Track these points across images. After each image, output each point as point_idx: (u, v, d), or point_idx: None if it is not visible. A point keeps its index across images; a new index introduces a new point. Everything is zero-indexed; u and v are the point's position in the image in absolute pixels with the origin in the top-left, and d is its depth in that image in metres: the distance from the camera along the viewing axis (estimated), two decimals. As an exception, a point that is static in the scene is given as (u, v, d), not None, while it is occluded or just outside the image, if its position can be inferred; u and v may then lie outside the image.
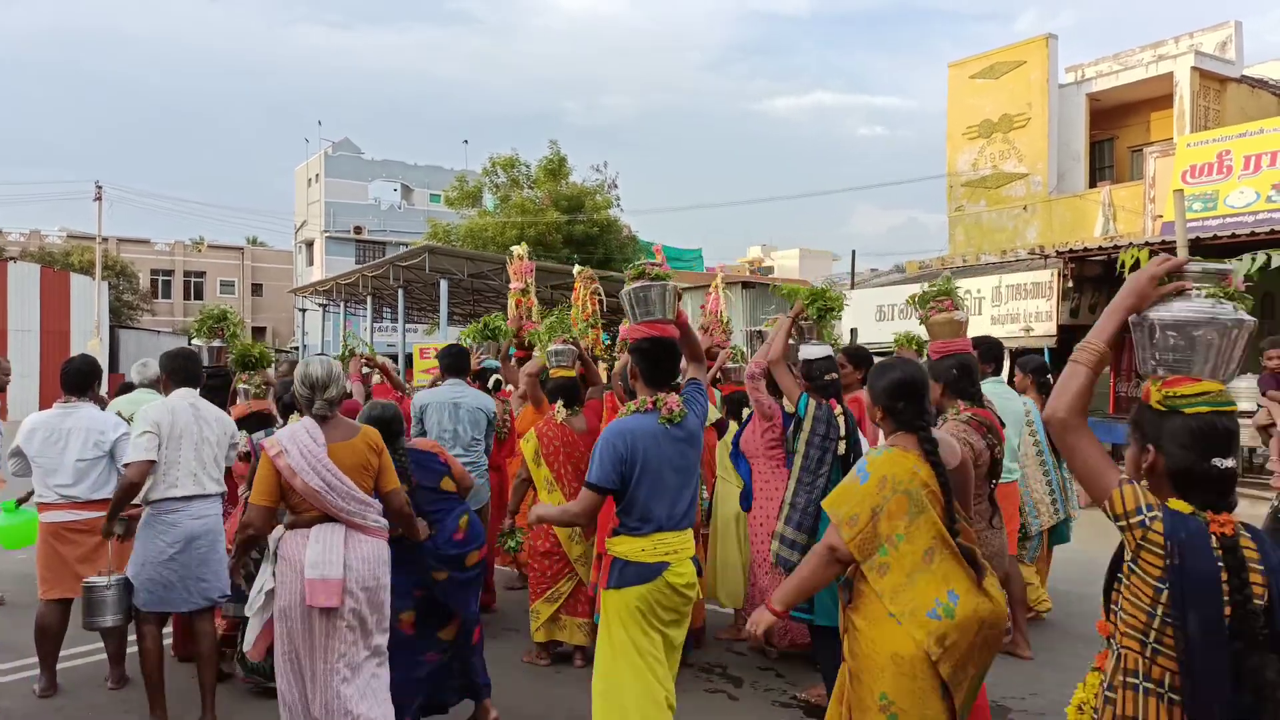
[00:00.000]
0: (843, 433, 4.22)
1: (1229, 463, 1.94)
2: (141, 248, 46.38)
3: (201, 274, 48.18)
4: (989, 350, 5.14)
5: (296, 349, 38.82)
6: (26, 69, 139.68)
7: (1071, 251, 13.51)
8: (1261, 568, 1.86)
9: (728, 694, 4.77)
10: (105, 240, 34.37)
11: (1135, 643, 1.94)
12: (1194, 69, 17.25)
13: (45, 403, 14.56)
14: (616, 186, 30.68)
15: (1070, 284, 13.40)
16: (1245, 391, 13.01)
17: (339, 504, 3.40)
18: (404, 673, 3.89)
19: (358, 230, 42.50)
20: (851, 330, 16.87)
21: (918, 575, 2.67)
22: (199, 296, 47.75)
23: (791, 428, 4.38)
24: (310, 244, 44.18)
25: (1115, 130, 19.54)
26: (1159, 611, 1.89)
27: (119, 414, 5.12)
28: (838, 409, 4.30)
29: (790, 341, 4.72)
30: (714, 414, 5.64)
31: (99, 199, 30.39)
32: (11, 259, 33.04)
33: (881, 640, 2.66)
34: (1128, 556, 1.96)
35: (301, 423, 3.51)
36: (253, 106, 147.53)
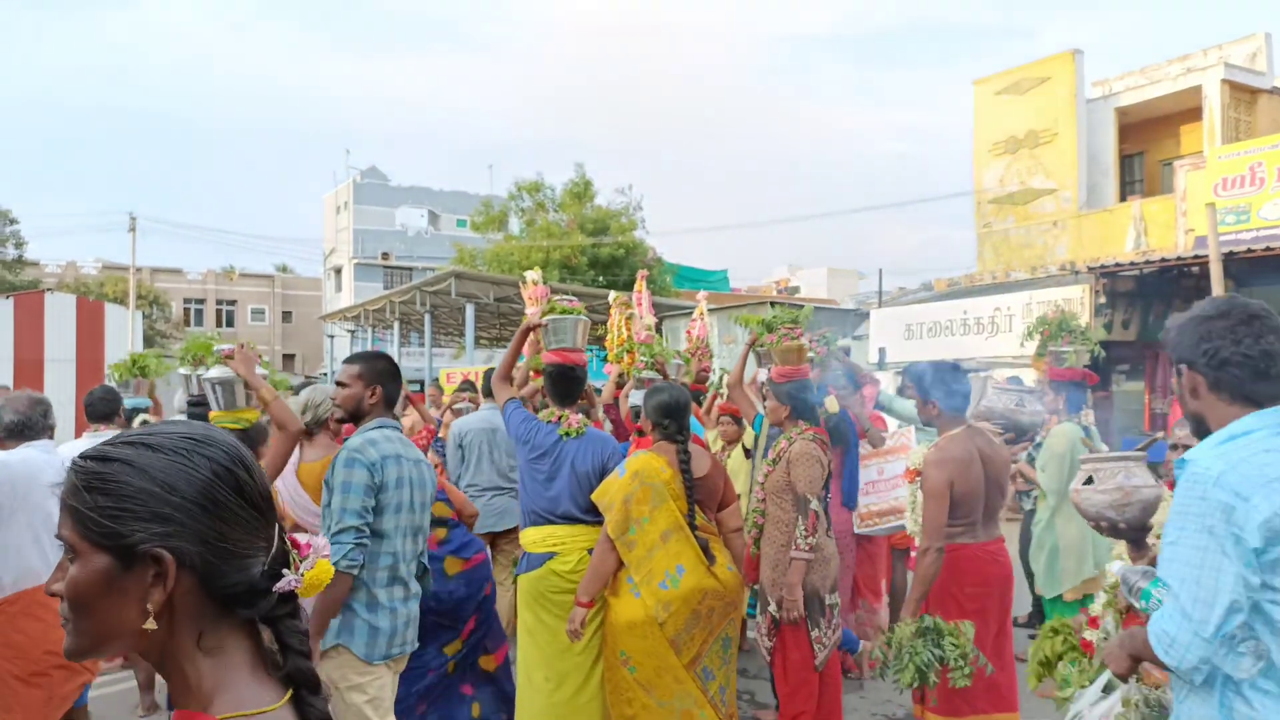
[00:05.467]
0: None
1: None
2: (174, 277, 47.09)
3: (233, 302, 48.81)
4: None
5: (325, 374, 39.14)
6: (61, 102, 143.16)
7: (1103, 267, 13.33)
8: None
9: None
10: (139, 270, 34.96)
11: None
12: (1224, 81, 17.05)
13: (81, 431, 14.78)
14: (641, 209, 30.82)
15: (1103, 299, 13.21)
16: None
17: (299, 515, 3.76)
18: (405, 684, 3.89)
19: (385, 256, 42.94)
20: (880, 350, 16.73)
21: (656, 551, 3.43)
22: (230, 324, 48.34)
23: (752, 446, 4.93)
24: (339, 271, 44.69)
25: (1145, 144, 19.33)
26: None
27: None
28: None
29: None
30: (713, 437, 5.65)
31: (133, 230, 30.92)
32: (49, 289, 33.65)
33: (621, 610, 3.42)
34: None
35: None
36: (281, 136, 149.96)
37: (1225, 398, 1.76)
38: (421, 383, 24.90)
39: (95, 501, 0.99)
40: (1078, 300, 13.39)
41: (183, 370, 5.57)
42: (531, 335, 4.17)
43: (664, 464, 3.53)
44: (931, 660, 3.12)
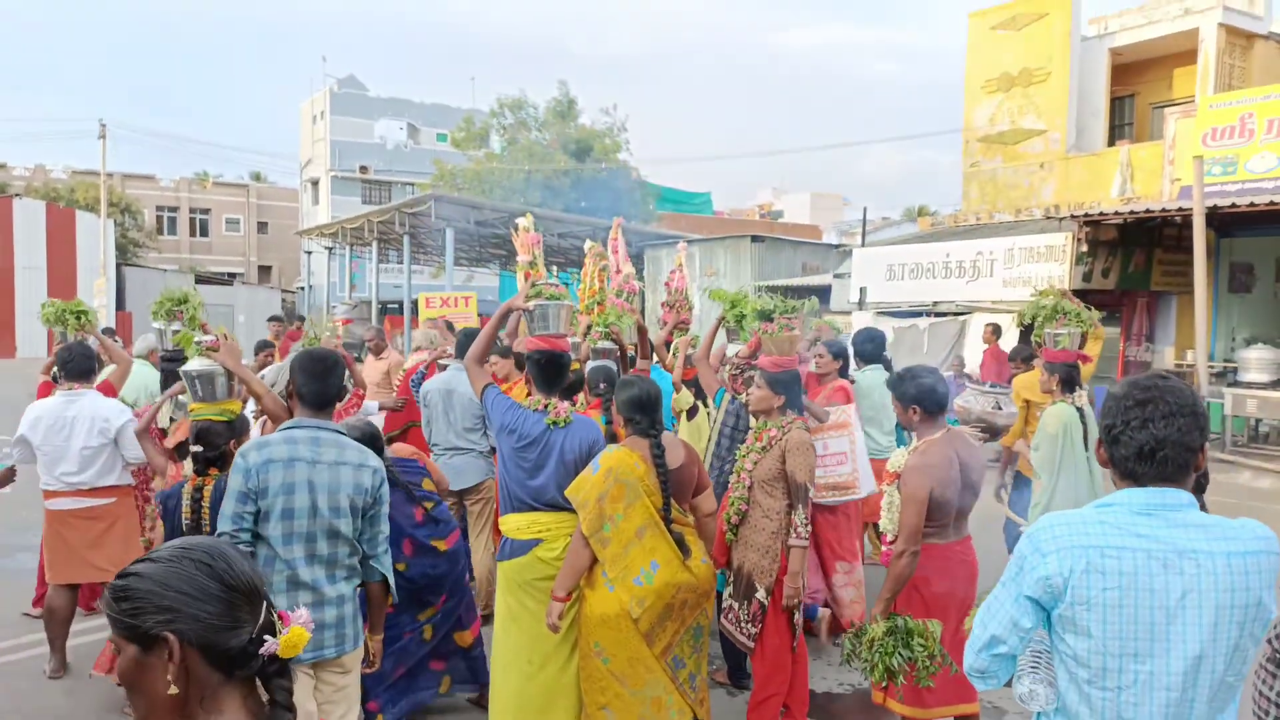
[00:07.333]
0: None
1: None
2: (146, 184, 45.95)
3: (207, 211, 47.82)
4: (879, 345, 6.20)
5: (303, 289, 38.70)
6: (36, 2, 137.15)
7: (1086, 215, 13.30)
8: None
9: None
10: (110, 177, 34.09)
11: None
12: (1221, 25, 16.77)
13: (52, 340, 14.58)
14: (626, 130, 30.31)
15: (1084, 248, 13.22)
16: (1255, 362, 12.97)
17: None
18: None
19: (364, 170, 42.07)
20: (860, 290, 16.73)
21: (631, 548, 3.41)
22: (204, 234, 47.51)
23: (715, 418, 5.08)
24: (316, 183, 43.80)
25: (1137, 86, 19.08)
26: None
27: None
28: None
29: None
30: (688, 400, 5.60)
31: (103, 137, 30.04)
32: (17, 195, 32.82)
33: (595, 604, 3.44)
34: None
35: None
36: (255, 39, 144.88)
37: (1116, 472, 1.93)
38: (400, 303, 24.68)
39: (120, 608, 1.31)
40: (1060, 247, 13.39)
41: (156, 324, 5.47)
42: (521, 281, 4.14)
43: (638, 459, 3.47)
44: (902, 662, 3.20)
